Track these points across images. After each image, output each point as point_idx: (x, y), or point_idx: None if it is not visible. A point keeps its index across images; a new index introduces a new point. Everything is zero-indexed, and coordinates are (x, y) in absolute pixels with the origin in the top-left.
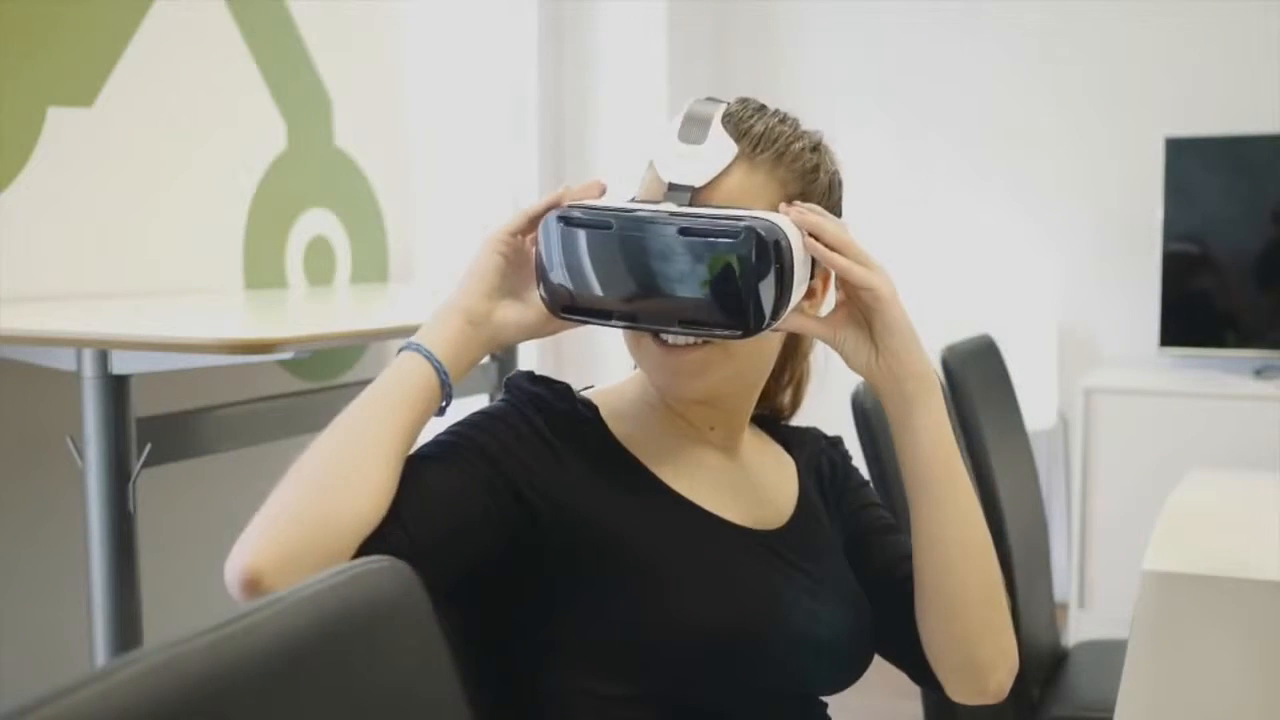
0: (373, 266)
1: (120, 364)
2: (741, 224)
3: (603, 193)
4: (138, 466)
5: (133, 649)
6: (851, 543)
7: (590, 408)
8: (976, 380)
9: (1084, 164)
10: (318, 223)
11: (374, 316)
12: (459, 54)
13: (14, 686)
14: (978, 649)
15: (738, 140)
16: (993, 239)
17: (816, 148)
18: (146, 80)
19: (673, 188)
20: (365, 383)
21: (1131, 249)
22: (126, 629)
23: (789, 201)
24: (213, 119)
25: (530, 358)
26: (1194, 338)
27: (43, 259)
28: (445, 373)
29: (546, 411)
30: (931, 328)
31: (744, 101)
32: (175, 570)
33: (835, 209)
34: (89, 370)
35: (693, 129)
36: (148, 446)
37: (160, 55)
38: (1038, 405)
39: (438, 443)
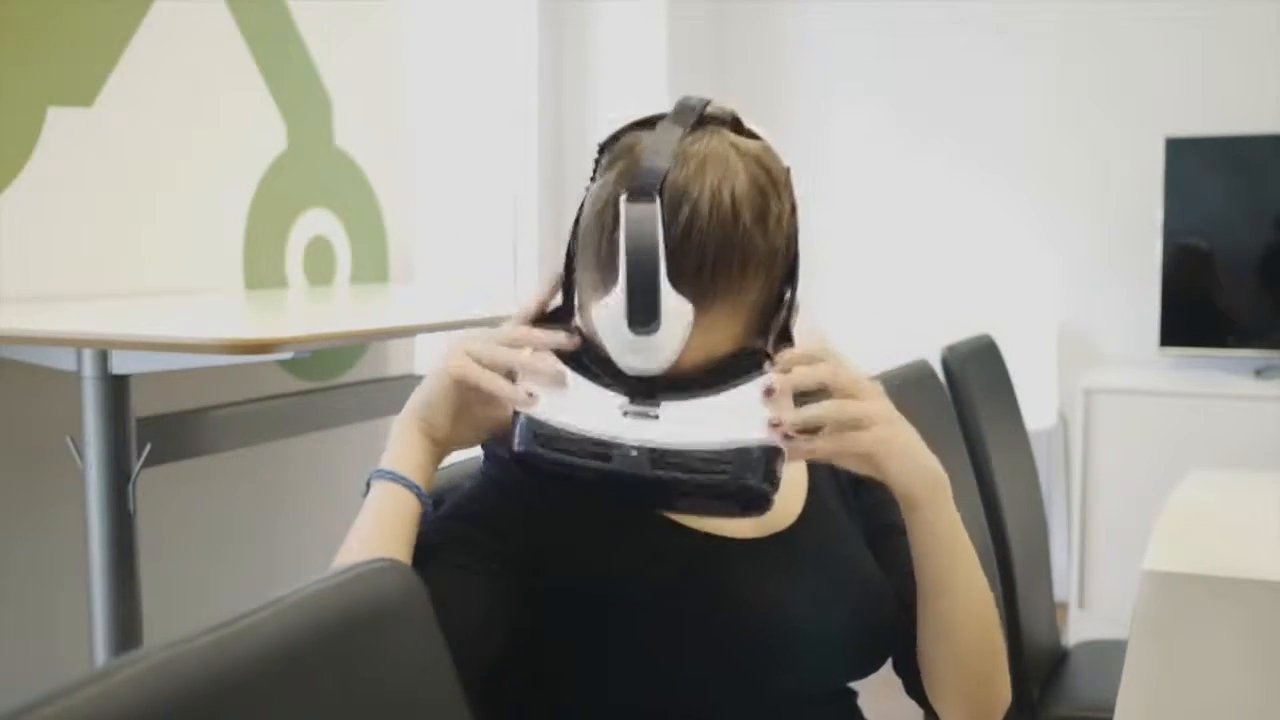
0: (373, 266)
1: (120, 364)
2: (724, 470)
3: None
4: (138, 466)
5: (133, 649)
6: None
7: None
8: (976, 380)
9: (1084, 164)
10: (318, 223)
11: (374, 316)
12: (459, 54)
13: (14, 686)
14: (979, 691)
15: (693, 288)
16: (993, 239)
17: (762, 217)
18: (146, 80)
19: (644, 384)
20: (365, 383)
21: (1132, 249)
22: (126, 629)
23: (760, 309)
24: (213, 119)
25: None
26: (1194, 338)
27: (43, 259)
28: (424, 494)
29: (534, 483)
30: (931, 328)
31: (687, 180)
32: (175, 570)
33: (795, 258)
34: (89, 370)
35: (642, 309)
36: (148, 446)
37: (160, 55)
38: (1038, 405)
39: (433, 549)
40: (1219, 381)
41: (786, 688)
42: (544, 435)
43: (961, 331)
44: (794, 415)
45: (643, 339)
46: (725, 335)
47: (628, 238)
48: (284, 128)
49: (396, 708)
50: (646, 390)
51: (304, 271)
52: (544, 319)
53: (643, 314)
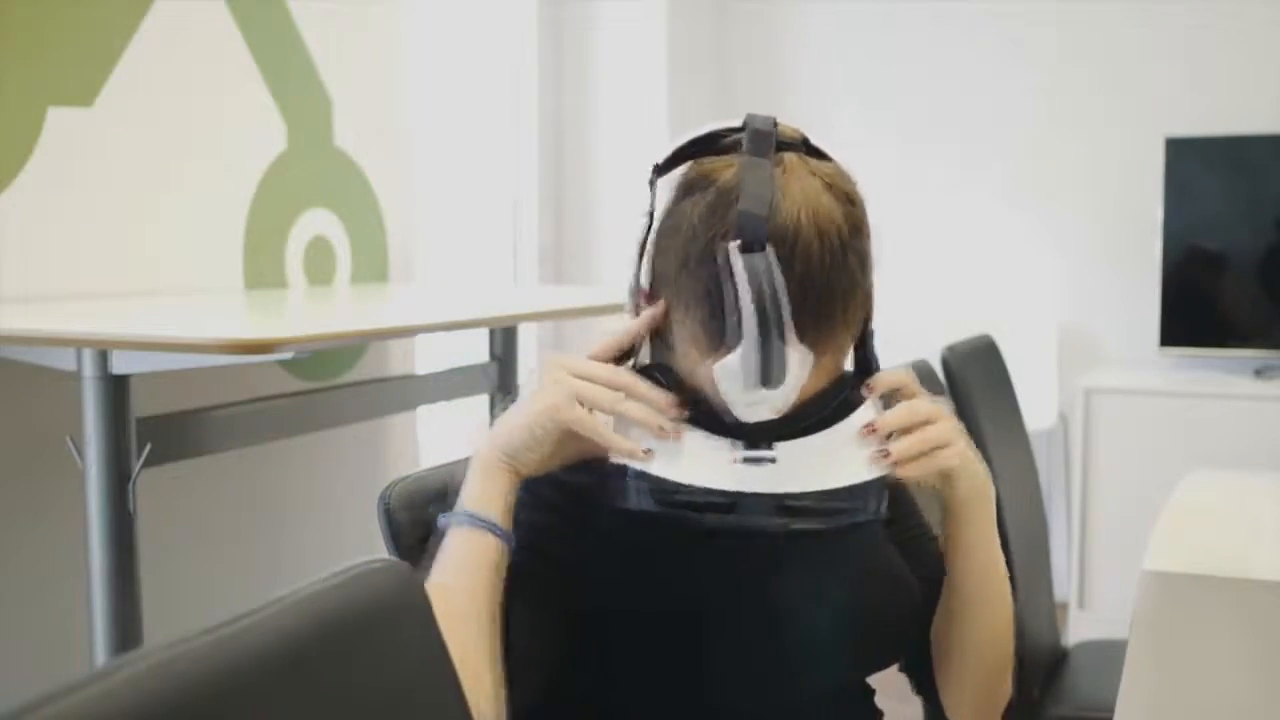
0: (373, 266)
1: (120, 364)
2: (845, 509)
3: (673, 408)
4: (138, 466)
5: (133, 649)
6: None
7: None
8: (976, 380)
9: (1084, 164)
10: (318, 223)
11: (374, 316)
12: (459, 54)
13: (14, 686)
14: (990, 688)
15: (811, 336)
16: (993, 239)
17: (860, 253)
18: (146, 80)
19: (754, 428)
20: (365, 383)
21: (1131, 249)
22: (126, 629)
23: (855, 337)
24: (213, 119)
25: (530, 350)
26: (1194, 338)
27: (43, 259)
28: (510, 537)
29: (573, 495)
30: (931, 328)
31: (795, 227)
32: (175, 570)
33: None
34: (89, 370)
35: (774, 371)
36: (148, 446)
37: (160, 55)
38: (1038, 405)
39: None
40: (1219, 381)
41: (809, 684)
42: (663, 491)
43: (961, 331)
44: (898, 449)
45: (765, 392)
46: (830, 369)
47: (754, 299)
48: (284, 128)
49: (396, 708)
50: (759, 435)
51: (304, 271)
52: (627, 353)
53: (774, 375)
